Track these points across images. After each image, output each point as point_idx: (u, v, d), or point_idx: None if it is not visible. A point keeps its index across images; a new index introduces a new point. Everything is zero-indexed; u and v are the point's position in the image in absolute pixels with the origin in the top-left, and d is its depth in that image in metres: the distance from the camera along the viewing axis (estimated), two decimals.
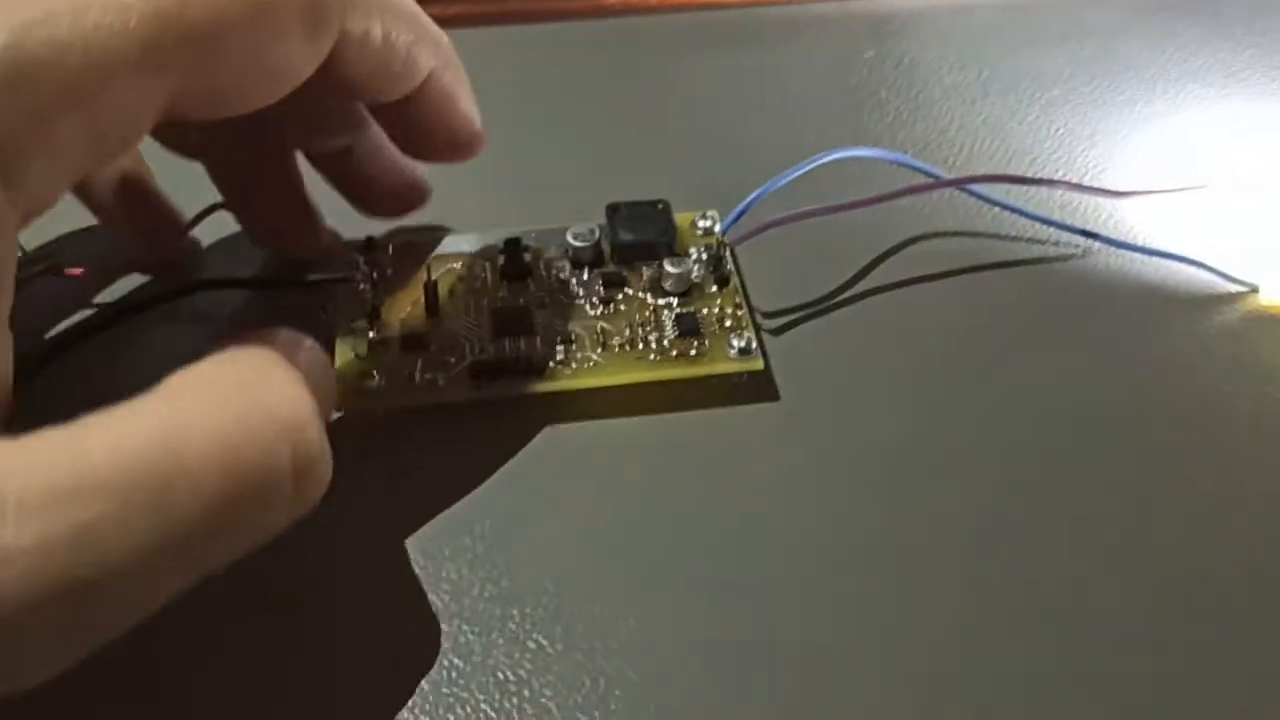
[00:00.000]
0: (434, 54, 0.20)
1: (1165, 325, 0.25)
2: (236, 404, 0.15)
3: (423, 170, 0.25)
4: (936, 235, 0.27)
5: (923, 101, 0.31)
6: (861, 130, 0.30)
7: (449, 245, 0.25)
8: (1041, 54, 0.32)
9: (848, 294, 0.25)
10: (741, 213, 0.24)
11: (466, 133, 0.22)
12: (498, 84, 0.30)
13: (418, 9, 0.20)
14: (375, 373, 0.22)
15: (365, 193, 0.25)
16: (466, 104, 0.22)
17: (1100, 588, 0.20)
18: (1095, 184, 0.27)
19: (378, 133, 0.23)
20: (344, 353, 0.23)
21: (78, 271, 0.24)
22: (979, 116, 0.30)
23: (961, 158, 0.29)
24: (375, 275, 0.24)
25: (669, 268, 0.24)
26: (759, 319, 0.25)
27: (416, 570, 0.20)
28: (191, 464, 0.15)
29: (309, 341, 0.18)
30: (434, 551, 0.20)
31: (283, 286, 0.25)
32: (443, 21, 0.21)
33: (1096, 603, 0.20)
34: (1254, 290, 0.25)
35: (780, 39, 0.33)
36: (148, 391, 0.15)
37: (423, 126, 0.22)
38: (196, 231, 0.25)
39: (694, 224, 0.25)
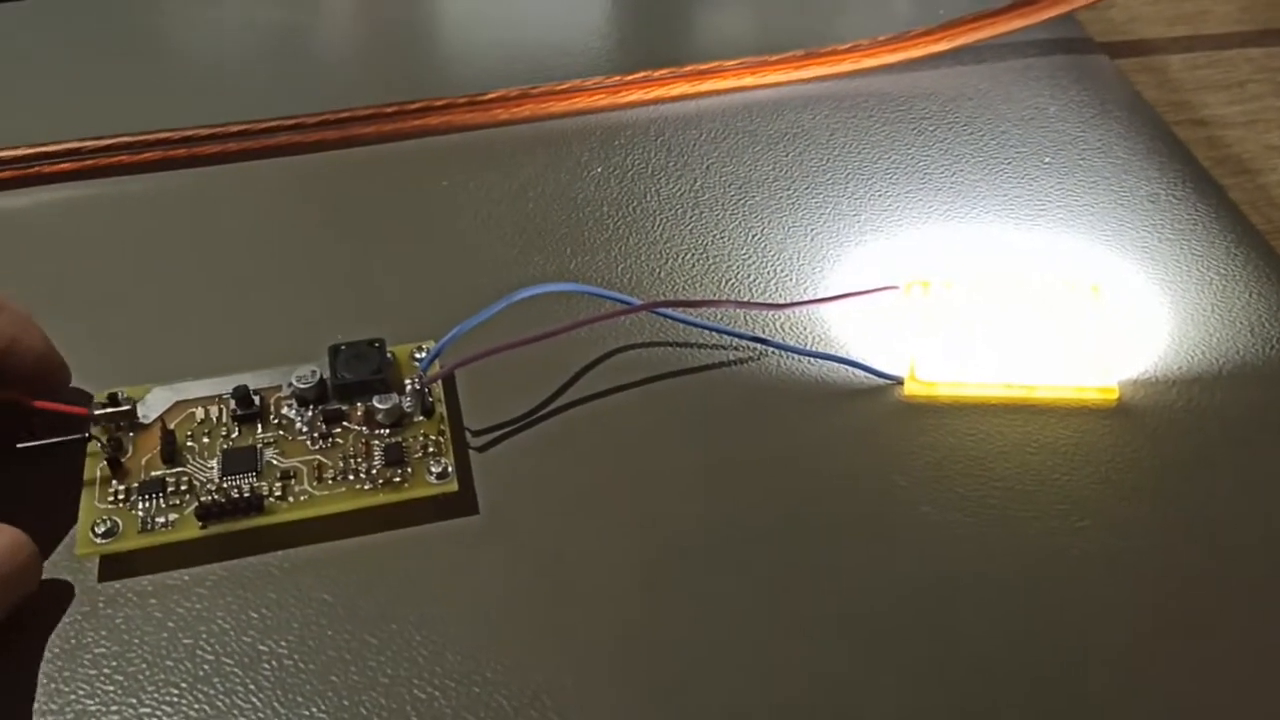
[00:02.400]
0: (10, 323, 0.25)
1: (823, 417, 0.29)
2: None
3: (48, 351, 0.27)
4: (632, 348, 0.31)
5: (639, 214, 0.35)
6: (583, 245, 0.33)
7: (189, 392, 0.28)
8: (751, 160, 0.36)
9: (551, 408, 0.29)
10: (436, 354, 0.28)
11: (54, 377, 0.27)
12: (247, 222, 0.33)
13: None
14: (112, 519, 0.25)
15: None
16: (45, 348, 0.26)
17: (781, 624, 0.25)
18: (762, 298, 0.32)
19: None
20: (86, 504, 0.26)
21: None
22: (686, 228, 0.34)
23: (665, 270, 0.33)
24: (117, 427, 0.27)
25: (377, 404, 0.27)
26: (470, 440, 0.28)
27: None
28: None
29: None
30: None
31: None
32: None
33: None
34: (899, 383, 0.30)
35: (515, 159, 0.36)
36: None
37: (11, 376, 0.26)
38: None
39: (412, 355, 0.29)
